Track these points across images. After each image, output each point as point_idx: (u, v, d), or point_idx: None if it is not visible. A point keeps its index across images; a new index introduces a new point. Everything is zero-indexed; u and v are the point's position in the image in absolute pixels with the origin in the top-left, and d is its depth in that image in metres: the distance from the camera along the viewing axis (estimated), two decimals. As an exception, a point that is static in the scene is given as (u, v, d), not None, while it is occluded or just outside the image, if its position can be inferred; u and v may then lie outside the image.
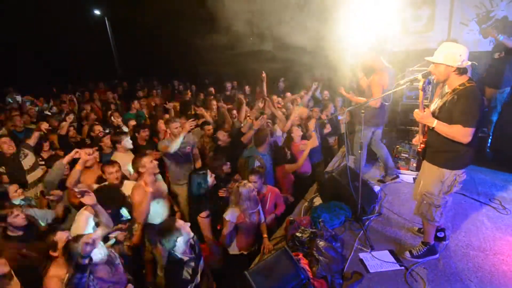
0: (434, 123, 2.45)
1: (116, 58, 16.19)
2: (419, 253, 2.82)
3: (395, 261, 2.82)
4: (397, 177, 4.38)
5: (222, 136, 4.59)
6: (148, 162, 3.30)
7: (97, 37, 15.04)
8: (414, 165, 4.60)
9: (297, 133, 4.68)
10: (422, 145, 2.72)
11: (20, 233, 2.75)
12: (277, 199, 3.75)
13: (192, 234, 2.52)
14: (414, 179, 4.24)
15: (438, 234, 2.98)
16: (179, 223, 2.46)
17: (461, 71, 2.37)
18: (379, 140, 4.38)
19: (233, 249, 3.36)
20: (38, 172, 4.21)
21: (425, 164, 2.72)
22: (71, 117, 5.30)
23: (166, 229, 2.40)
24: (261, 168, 3.79)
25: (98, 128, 4.95)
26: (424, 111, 2.51)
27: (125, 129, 5.30)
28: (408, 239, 3.16)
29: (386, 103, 3.89)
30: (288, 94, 7.08)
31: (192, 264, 2.45)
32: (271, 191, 3.71)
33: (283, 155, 4.40)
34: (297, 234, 2.95)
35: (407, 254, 2.87)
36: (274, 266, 2.43)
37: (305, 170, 4.65)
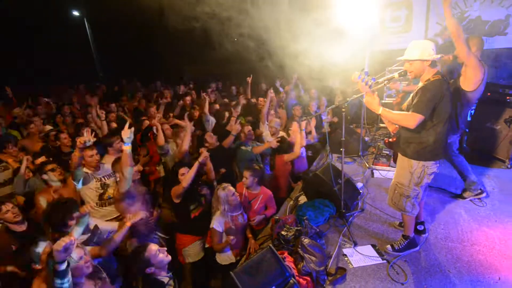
0: (380, 110, 2.57)
1: (96, 60, 15.81)
2: (400, 246, 2.91)
3: (378, 255, 2.90)
4: (482, 192, 3.73)
5: (210, 138, 4.49)
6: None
7: (76, 39, 14.64)
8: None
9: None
10: (394, 138, 2.81)
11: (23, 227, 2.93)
12: (268, 202, 3.73)
13: (168, 258, 2.38)
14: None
15: (418, 227, 3.08)
16: (150, 251, 2.28)
17: (433, 63, 2.50)
18: (455, 149, 3.78)
19: (229, 257, 3.33)
20: (7, 189, 3.98)
21: (399, 156, 2.82)
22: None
23: (136, 258, 2.31)
24: (258, 166, 3.80)
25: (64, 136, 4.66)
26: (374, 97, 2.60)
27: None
28: (389, 233, 3.25)
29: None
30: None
31: (172, 282, 2.38)
32: (264, 193, 3.70)
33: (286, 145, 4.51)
34: (283, 232, 2.97)
35: (389, 248, 2.95)
36: (259, 265, 2.44)
37: (303, 168, 4.84)
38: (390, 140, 2.91)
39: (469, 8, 5.85)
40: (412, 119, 2.44)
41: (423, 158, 2.60)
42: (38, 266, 2.24)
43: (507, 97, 4.49)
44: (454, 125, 3.59)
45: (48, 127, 4.94)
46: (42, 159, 3.85)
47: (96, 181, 3.53)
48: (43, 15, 12.20)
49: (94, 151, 3.56)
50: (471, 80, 3.28)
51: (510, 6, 5.46)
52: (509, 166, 4.46)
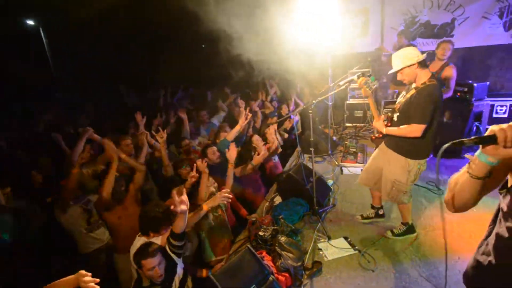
0: (384, 131, 2.85)
1: (54, 70, 14.88)
2: (399, 232, 3.12)
3: (350, 247, 3.07)
4: None
5: (212, 154, 3.88)
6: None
7: (31, 49, 13.74)
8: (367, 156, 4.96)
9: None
10: (380, 135, 2.99)
11: None
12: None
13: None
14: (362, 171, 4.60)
15: (378, 211, 3.36)
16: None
17: (422, 64, 2.61)
18: None
19: (209, 256, 3.30)
20: None
21: (390, 152, 2.92)
22: None
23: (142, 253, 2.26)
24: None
25: None
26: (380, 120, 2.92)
27: None
28: (359, 225, 3.45)
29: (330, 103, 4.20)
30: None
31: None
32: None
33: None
34: (260, 233, 3.04)
35: (389, 234, 3.15)
36: (238, 266, 2.48)
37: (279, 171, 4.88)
38: (377, 135, 3.07)
39: (419, 13, 6.37)
40: (416, 131, 2.58)
41: (418, 157, 2.78)
42: None
43: (457, 94, 4.91)
44: None
45: None
46: None
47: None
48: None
49: None
50: None
51: (455, 10, 6.02)
52: (462, 156, 4.87)
